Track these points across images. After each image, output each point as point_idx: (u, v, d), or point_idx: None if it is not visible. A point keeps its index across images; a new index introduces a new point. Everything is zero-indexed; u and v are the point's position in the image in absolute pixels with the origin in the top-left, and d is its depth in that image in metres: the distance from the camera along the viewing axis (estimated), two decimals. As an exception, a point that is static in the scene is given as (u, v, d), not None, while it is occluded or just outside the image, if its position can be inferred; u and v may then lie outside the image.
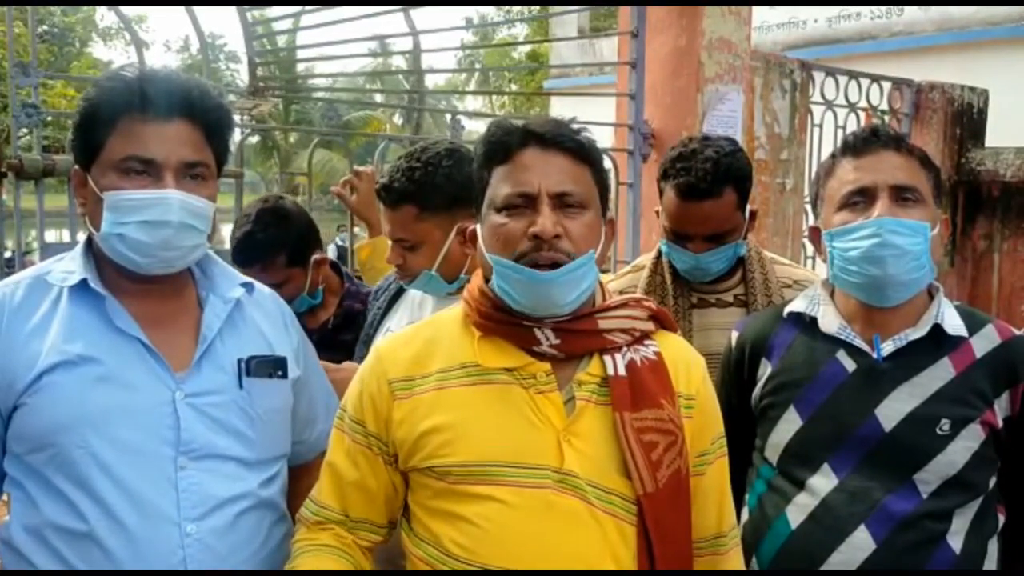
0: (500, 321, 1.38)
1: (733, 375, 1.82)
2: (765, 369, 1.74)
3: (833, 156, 1.70)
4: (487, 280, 1.40)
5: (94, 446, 1.34)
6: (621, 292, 1.88)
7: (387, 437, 1.40)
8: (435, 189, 1.83)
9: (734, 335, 1.84)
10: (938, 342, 1.61)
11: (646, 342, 1.42)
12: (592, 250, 1.35)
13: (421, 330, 1.48)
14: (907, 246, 1.55)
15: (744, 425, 1.76)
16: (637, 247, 3.67)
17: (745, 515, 1.74)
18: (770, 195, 4.15)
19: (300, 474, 1.61)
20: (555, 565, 1.28)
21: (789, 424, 1.66)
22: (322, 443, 1.54)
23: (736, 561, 1.52)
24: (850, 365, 1.64)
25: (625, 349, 1.39)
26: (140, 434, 1.37)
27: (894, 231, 1.55)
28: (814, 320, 1.70)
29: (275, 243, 2.30)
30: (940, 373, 1.60)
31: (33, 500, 1.36)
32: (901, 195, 1.58)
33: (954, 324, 1.63)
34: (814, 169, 4.36)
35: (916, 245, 1.56)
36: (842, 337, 1.66)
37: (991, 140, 5.28)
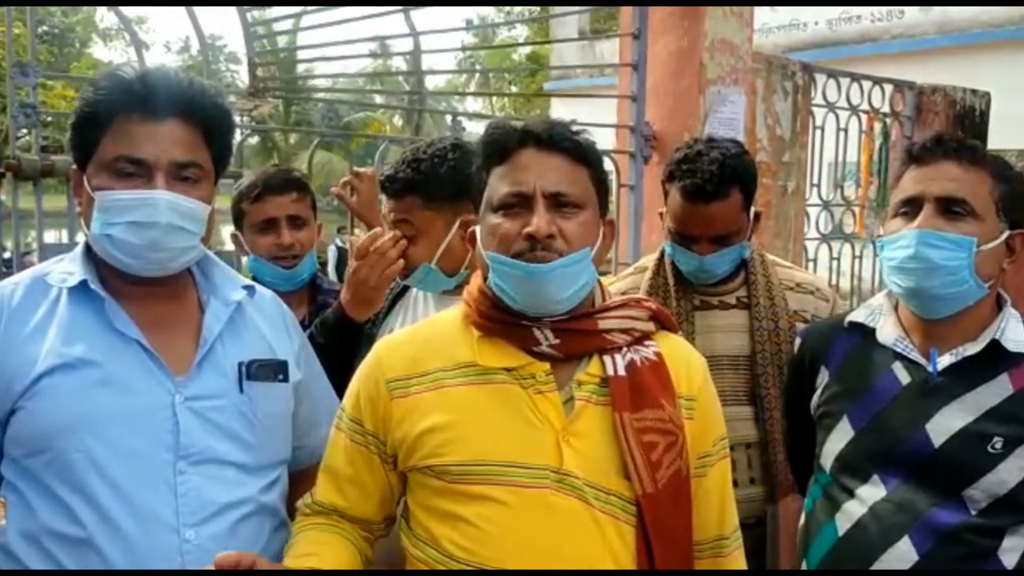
0: (499, 321, 1.38)
1: (794, 381, 1.82)
2: (823, 377, 1.74)
3: (903, 164, 1.67)
4: (486, 279, 1.41)
5: (92, 450, 1.32)
6: (623, 293, 1.87)
7: (385, 437, 1.40)
8: (440, 180, 1.84)
9: (798, 341, 1.86)
10: (998, 358, 1.57)
11: (646, 343, 1.42)
12: (587, 248, 1.35)
13: (420, 330, 1.49)
14: (940, 260, 1.51)
15: (805, 431, 1.77)
16: (638, 249, 3.66)
17: (802, 520, 1.75)
18: (772, 197, 4.13)
19: (300, 479, 1.59)
20: (554, 566, 1.27)
21: (842, 434, 1.65)
22: (323, 448, 1.53)
23: (738, 565, 1.51)
24: (904, 378, 1.62)
25: (625, 349, 1.39)
26: (139, 438, 1.35)
27: (928, 244, 1.52)
28: (873, 331, 1.68)
29: (304, 183, 2.38)
30: (997, 390, 1.56)
31: (30, 505, 1.34)
32: (948, 207, 1.53)
33: (1017, 340, 1.58)
34: (816, 171, 4.42)
35: (952, 260, 1.51)
36: (898, 349, 1.63)
37: (993, 143, 5.27)
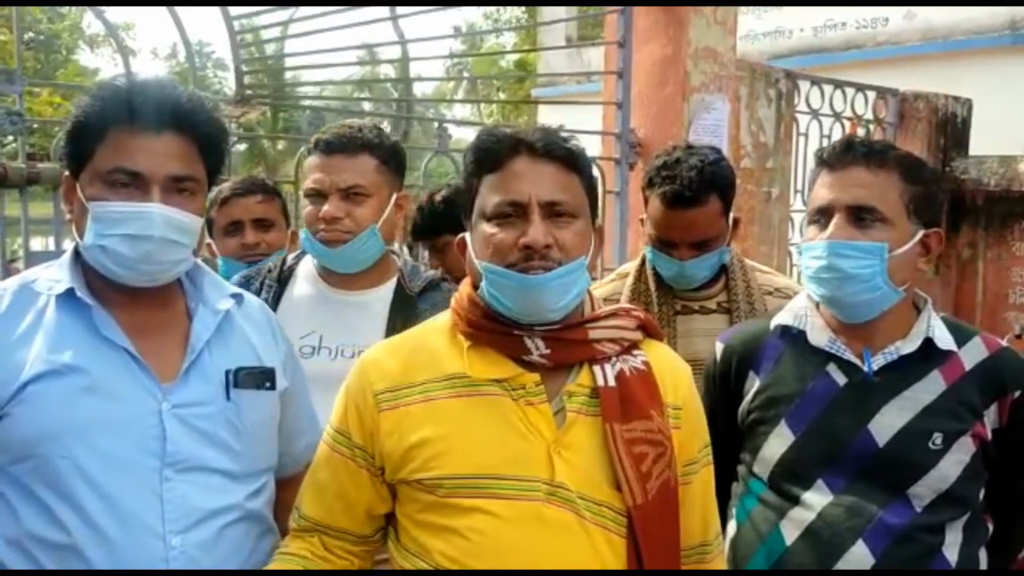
0: (490, 330, 1.37)
1: (719, 387, 1.78)
2: (753, 383, 1.71)
3: (817, 167, 1.68)
4: (476, 288, 1.40)
5: (78, 457, 1.33)
6: (605, 299, 1.89)
7: (373, 449, 1.39)
8: (393, 150, 1.94)
9: (719, 346, 1.81)
10: (928, 356, 1.60)
11: (634, 352, 1.42)
12: (583, 256, 1.35)
13: (407, 340, 1.47)
14: (852, 270, 1.53)
15: (730, 437, 1.74)
16: (624, 254, 3.68)
17: (732, 529, 1.72)
18: (756, 203, 4.17)
19: (287, 486, 1.60)
20: None
21: (781, 439, 1.64)
22: (308, 455, 1.53)
23: (721, 568, 1.52)
24: (841, 379, 1.62)
25: (614, 359, 1.39)
26: (125, 445, 1.36)
27: (839, 254, 1.53)
28: (802, 333, 1.68)
29: (272, 188, 2.48)
30: (930, 387, 1.58)
31: (14, 511, 1.34)
32: (858, 215, 1.55)
33: (944, 338, 1.61)
34: (799, 178, 4.45)
35: (864, 268, 1.53)
36: (833, 351, 1.63)
37: (975, 149, 5.32)
